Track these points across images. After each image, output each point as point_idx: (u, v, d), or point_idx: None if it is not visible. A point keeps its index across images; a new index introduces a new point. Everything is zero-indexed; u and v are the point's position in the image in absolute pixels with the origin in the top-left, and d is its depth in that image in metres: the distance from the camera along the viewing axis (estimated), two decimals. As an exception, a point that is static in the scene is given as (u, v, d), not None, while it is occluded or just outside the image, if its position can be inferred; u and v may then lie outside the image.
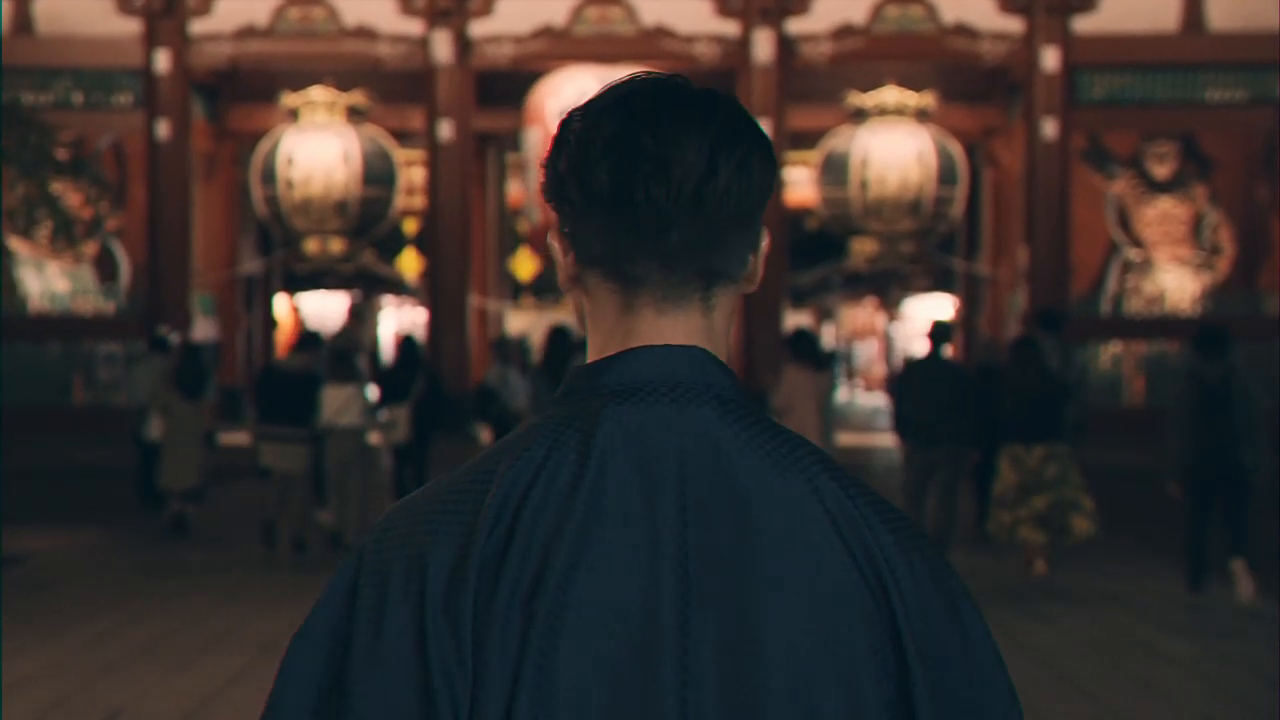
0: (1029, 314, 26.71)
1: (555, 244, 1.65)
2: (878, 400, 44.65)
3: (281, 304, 35.38)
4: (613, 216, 1.58)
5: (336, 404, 14.14)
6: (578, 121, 1.61)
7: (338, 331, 20.77)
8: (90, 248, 25.18)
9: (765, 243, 1.70)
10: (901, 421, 13.15)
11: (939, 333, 13.36)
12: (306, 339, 15.67)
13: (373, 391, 15.50)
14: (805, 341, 14.12)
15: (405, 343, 17.04)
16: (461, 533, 1.52)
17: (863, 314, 51.56)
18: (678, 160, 1.57)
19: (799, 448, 1.58)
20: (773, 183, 1.68)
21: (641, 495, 1.53)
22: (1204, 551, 11.76)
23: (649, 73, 1.65)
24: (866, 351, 51.29)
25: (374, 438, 15.66)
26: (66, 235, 16.94)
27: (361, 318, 41.00)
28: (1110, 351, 26.82)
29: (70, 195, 19.11)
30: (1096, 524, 12.89)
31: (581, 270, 1.63)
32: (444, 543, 1.52)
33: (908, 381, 13.36)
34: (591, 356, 1.63)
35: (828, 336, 46.86)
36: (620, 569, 1.50)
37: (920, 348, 15.24)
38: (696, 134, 1.58)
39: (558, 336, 14.38)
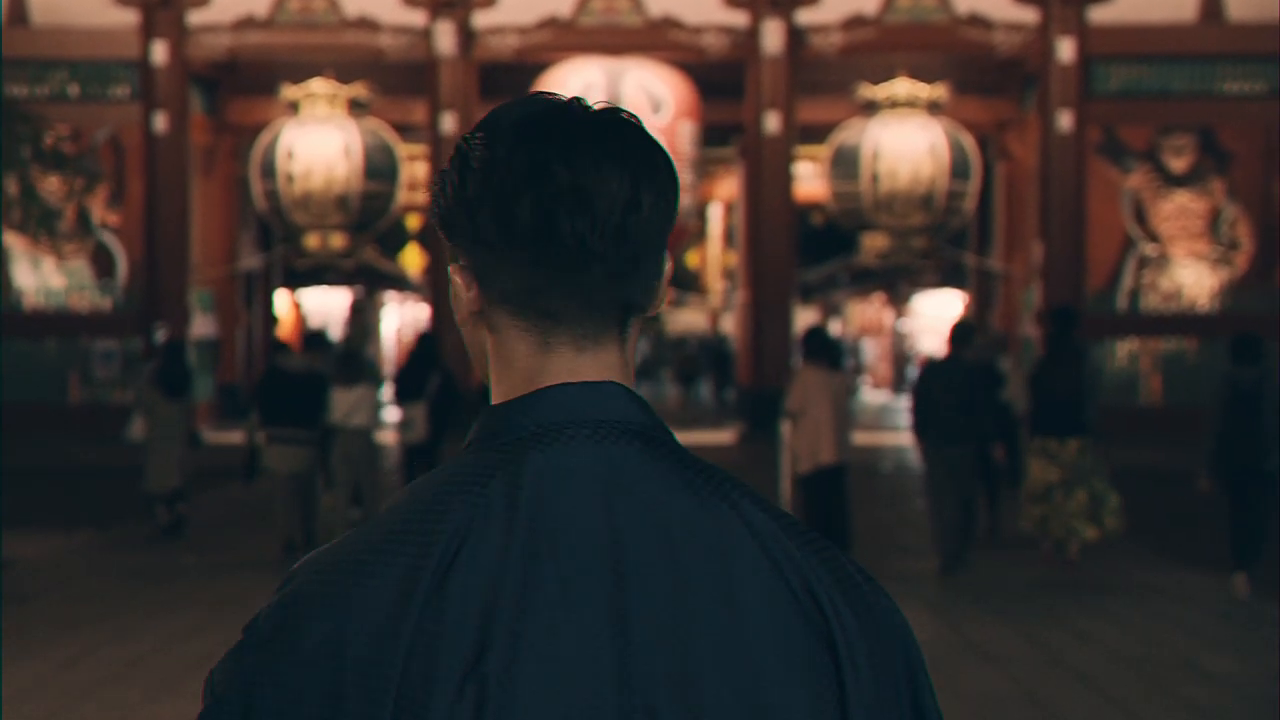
0: (1044, 311, 26.30)
1: (456, 278, 1.56)
2: (885, 397, 44.21)
3: (282, 300, 34.94)
4: (531, 252, 1.51)
5: (346, 405, 13.99)
6: (481, 148, 1.52)
7: (348, 333, 20.70)
8: (75, 240, 24.65)
9: (669, 266, 1.61)
10: (920, 422, 13.21)
11: (960, 334, 13.49)
12: (312, 339, 15.47)
13: (387, 390, 15.07)
14: (819, 339, 13.57)
15: (422, 340, 16.81)
16: (388, 599, 1.44)
17: (870, 310, 51.23)
18: (601, 192, 1.50)
19: (725, 482, 1.53)
20: (678, 210, 1.59)
21: (578, 557, 1.46)
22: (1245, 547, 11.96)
23: (548, 94, 1.57)
24: (874, 348, 50.85)
25: (389, 436, 15.34)
26: (47, 227, 16.50)
27: (363, 314, 40.62)
28: (1126, 349, 26.33)
29: (54, 185, 18.66)
30: (1124, 520, 13.17)
31: (488, 306, 1.55)
32: (367, 610, 1.44)
33: (926, 382, 13.36)
34: (499, 398, 1.56)
35: (833, 332, 46.40)
36: (563, 642, 1.43)
37: (939, 349, 15.21)
38: (617, 164, 1.51)
39: None
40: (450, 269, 1.56)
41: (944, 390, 13.01)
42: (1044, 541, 13.43)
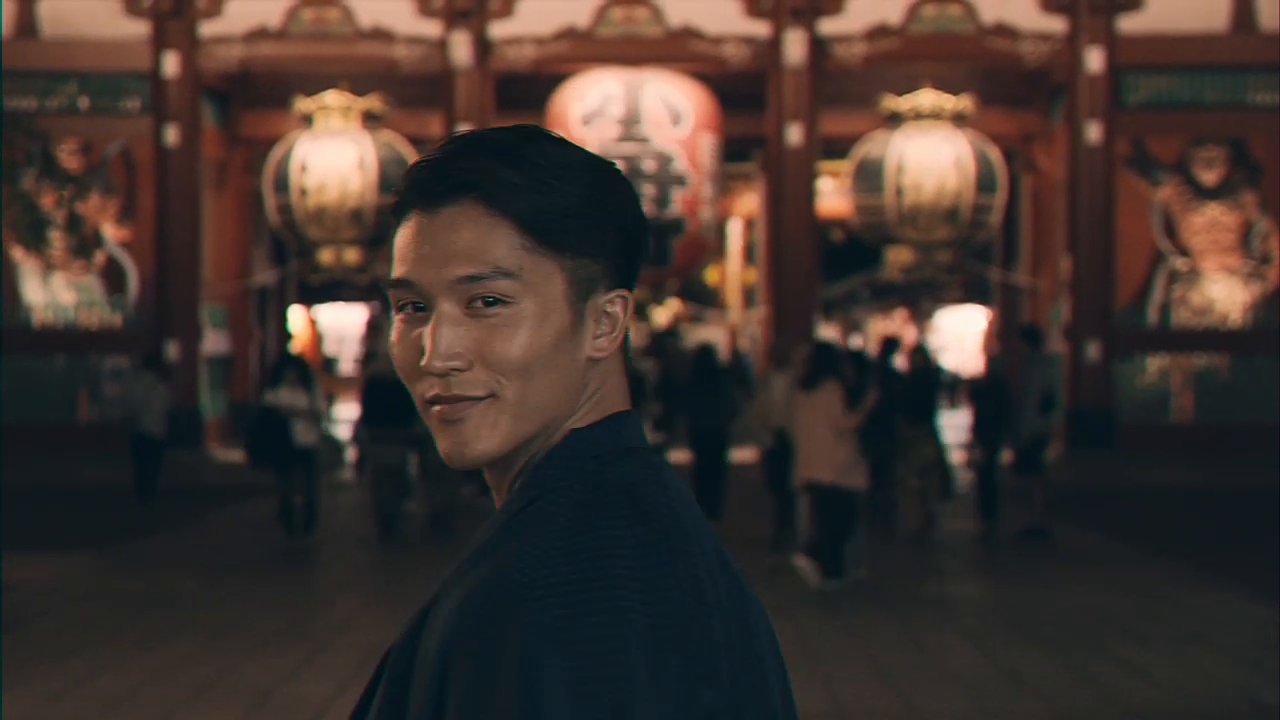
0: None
1: (618, 307, 1.59)
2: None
3: (296, 316, 34.49)
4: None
5: None
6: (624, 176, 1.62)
7: (365, 349, 21.89)
8: (81, 255, 24.26)
9: None
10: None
11: (888, 347, 16.17)
12: None
13: None
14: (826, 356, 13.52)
15: None
16: None
17: (892, 326, 50.82)
18: None
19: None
20: None
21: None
22: None
23: None
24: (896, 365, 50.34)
25: None
26: (38, 235, 16.09)
27: (381, 330, 40.18)
28: (1157, 365, 25.77)
29: (48, 194, 18.26)
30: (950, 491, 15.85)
31: None
32: None
33: None
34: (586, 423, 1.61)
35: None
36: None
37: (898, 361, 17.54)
38: None
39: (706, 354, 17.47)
40: (615, 298, 1.58)
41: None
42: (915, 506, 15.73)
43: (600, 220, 1.56)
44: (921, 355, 17.02)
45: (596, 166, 1.58)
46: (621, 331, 1.57)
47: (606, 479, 1.53)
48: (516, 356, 1.52)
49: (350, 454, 17.05)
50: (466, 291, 1.53)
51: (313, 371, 16.49)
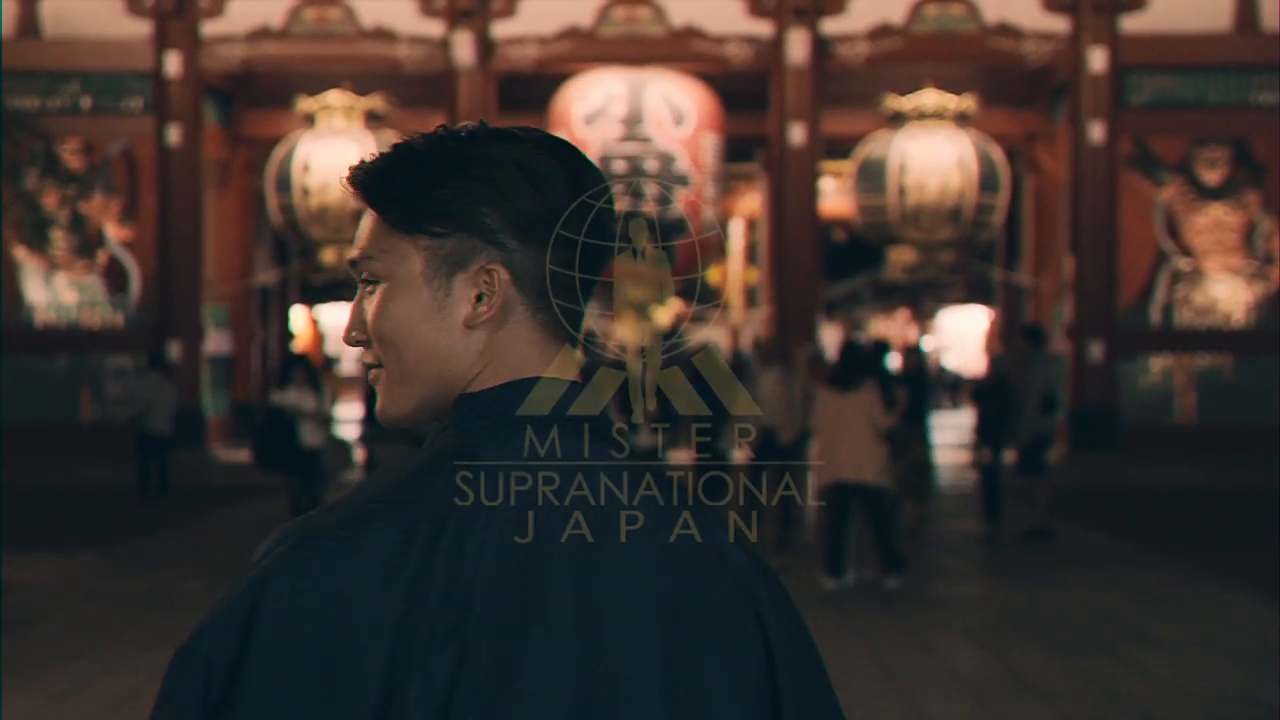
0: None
1: (496, 281, 1.71)
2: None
3: (299, 316, 34.47)
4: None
5: None
6: (541, 158, 1.74)
7: None
8: (84, 254, 24.27)
9: None
10: None
11: (880, 348, 15.71)
12: None
13: None
14: (853, 356, 13.13)
15: None
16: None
17: (894, 326, 50.81)
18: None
19: (680, 487, 1.74)
20: None
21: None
22: None
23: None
24: (897, 365, 50.30)
25: None
26: (41, 234, 16.10)
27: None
28: (1160, 365, 25.75)
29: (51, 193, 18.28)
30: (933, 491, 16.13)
31: (514, 303, 1.73)
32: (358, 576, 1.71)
33: None
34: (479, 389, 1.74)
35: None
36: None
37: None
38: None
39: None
40: (491, 269, 1.68)
41: None
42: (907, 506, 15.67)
43: (470, 202, 1.69)
44: (916, 356, 17.08)
45: (489, 159, 1.70)
46: (500, 299, 1.68)
47: (447, 444, 1.68)
48: (381, 329, 1.72)
49: (359, 454, 16.96)
50: (358, 274, 1.75)
51: (320, 373, 16.39)
